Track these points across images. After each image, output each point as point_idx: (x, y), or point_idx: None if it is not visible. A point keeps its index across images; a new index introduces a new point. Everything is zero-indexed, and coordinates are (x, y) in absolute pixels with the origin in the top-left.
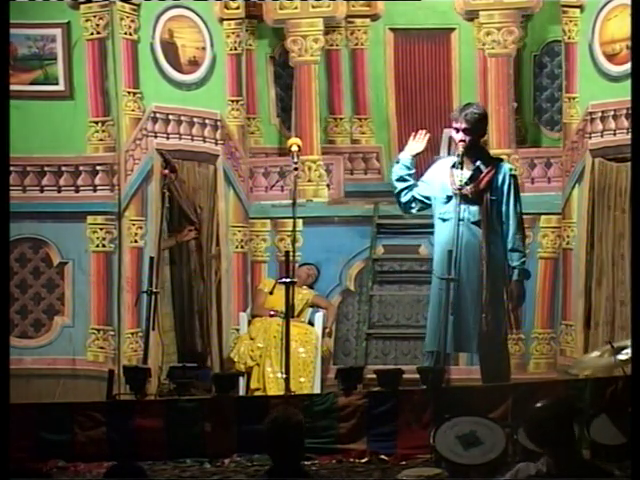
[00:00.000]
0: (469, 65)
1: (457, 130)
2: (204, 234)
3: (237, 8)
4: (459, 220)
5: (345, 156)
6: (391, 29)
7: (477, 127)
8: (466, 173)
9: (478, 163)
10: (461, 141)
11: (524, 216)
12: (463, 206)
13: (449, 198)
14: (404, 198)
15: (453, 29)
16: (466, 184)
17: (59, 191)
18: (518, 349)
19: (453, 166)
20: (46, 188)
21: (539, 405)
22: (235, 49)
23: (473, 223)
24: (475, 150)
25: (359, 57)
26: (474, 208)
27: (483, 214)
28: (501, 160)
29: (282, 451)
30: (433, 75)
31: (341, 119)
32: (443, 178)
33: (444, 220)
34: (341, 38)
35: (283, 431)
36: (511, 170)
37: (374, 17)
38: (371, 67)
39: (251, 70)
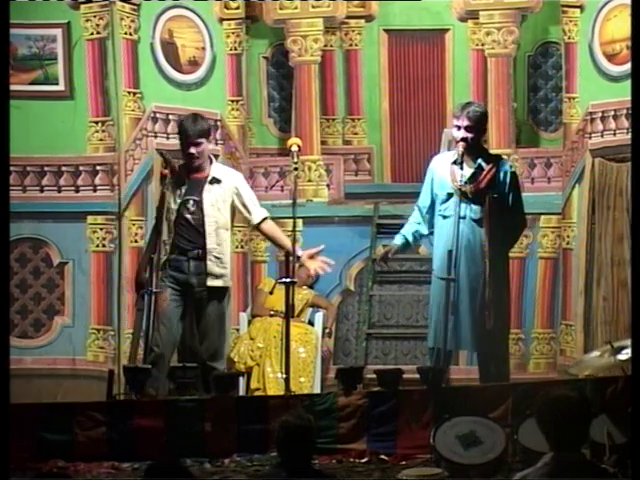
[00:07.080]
0: (463, 66)
1: (458, 128)
2: None
3: (237, 8)
4: (460, 218)
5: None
6: (385, 30)
7: (479, 125)
8: (467, 171)
9: (480, 161)
10: (463, 139)
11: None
12: (464, 204)
13: (449, 195)
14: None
15: (447, 30)
16: (467, 182)
17: (59, 191)
18: (518, 349)
19: (454, 162)
20: (46, 188)
21: (559, 395)
22: (235, 49)
23: (474, 221)
24: (476, 148)
25: (353, 58)
26: (475, 206)
27: (485, 212)
28: (501, 158)
29: (294, 452)
30: (427, 76)
31: (334, 120)
32: (442, 174)
33: (445, 217)
34: (335, 39)
35: (295, 432)
36: (512, 167)
37: (368, 18)
38: (365, 68)
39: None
